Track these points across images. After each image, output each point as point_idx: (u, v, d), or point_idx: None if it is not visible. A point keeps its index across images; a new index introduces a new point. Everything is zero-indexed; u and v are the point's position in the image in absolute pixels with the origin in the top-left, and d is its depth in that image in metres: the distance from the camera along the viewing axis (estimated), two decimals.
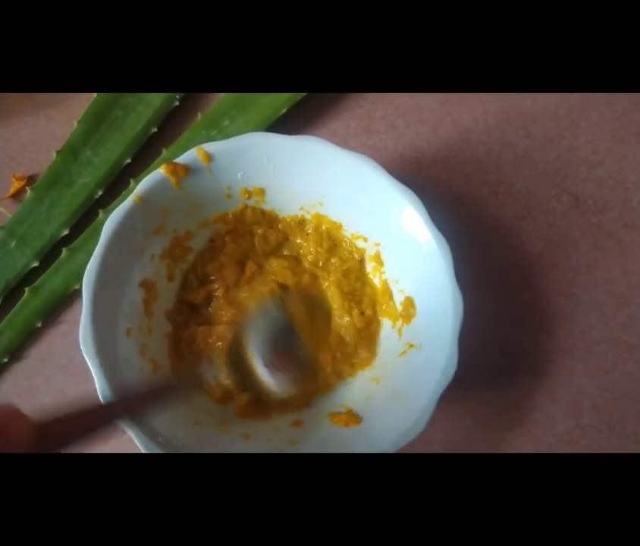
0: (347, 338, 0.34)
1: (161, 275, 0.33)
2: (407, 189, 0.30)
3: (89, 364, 0.27)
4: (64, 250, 0.38)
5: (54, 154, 0.39)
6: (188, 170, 0.31)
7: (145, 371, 0.30)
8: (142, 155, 0.40)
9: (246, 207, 0.34)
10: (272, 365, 0.32)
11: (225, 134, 0.39)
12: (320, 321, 0.34)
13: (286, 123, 0.39)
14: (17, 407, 0.18)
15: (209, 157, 0.31)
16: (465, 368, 0.29)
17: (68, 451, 0.20)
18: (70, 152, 0.39)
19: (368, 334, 0.34)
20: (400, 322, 0.33)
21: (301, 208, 0.35)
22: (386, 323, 0.34)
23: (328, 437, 0.30)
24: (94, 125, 0.39)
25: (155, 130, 0.40)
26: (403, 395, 0.30)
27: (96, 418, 0.23)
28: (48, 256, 0.38)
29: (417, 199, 0.30)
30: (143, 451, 0.27)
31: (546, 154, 0.40)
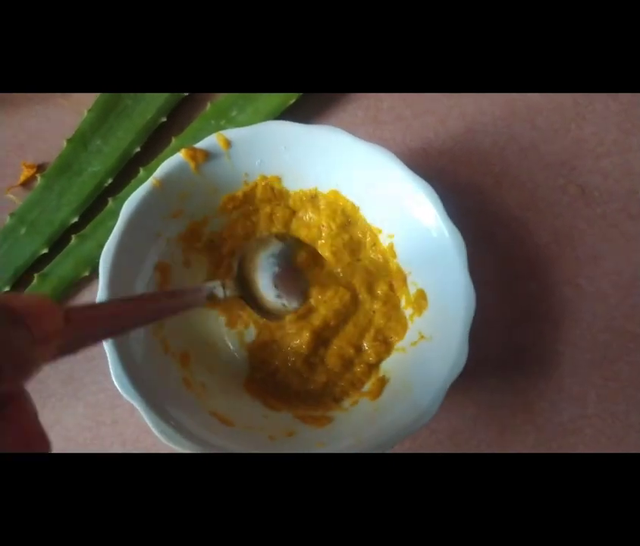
0: (377, 322, 0.34)
1: (177, 260, 0.34)
2: (422, 180, 0.30)
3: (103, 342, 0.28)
4: (74, 237, 0.38)
5: (65, 142, 0.39)
6: (207, 155, 0.31)
7: (156, 351, 0.31)
8: (152, 144, 0.40)
9: (256, 185, 0.34)
10: (277, 284, 0.34)
11: (234, 124, 0.40)
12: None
13: (294, 114, 0.39)
14: (46, 296, 0.18)
15: (228, 143, 0.31)
16: (472, 358, 0.29)
17: (97, 343, 0.21)
18: (80, 141, 0.39)
19: (392, 306, 0.34)
20: (410, 310, 0.33)
21: (315, 189, 0.35)
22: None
23: (338, 420, 0.31)
24: (104, 114, 0.40)
25: (164, 119, 0.40)
26: (412, 385, 0.30)
27: (124, 310, 0.23)
28: (58, 243, 0.39)
29: (432, 190, 0.30)
30: (153, 429, 0.27)
31: (552, 146, 0.40)
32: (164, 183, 0.31)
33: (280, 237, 0.35)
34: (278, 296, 0.34)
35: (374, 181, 0.32)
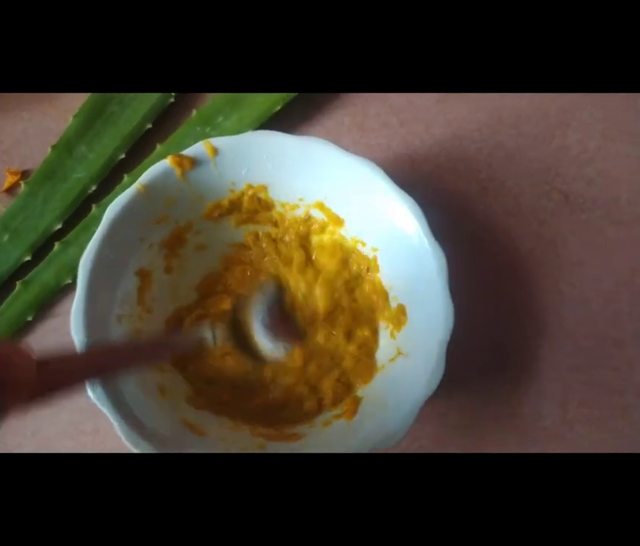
0: (345, 365, 0.34)
1: (158, 266, 0.34)
2: (407, 195, 0.30)
3: (77, 347, 0.27)
4: (57, 244, 0.38)
5: (49, 149, 0.39)
6: (194, 162, 0.31)
7: None
8: (137, 151, 0.40)
9: (242, 193, 0.34)
10: (269, 328, 0.33)
11: (219, 131, 0.40)
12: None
13: (280, 121, 0.39)
14: (18, 344, 0.18)
15: (215, 151, 0.31)
16: (454, 363, 0.29)
17: (67, 393, 0.21)
18: (65, 147, 0.39)
19: (366, 352, 0.34)
20: (390, 326, 0.33)
21: (301, 199, 0.35)
22: (381, 325, 0.34)
23: (310, 437, 0.31)
24: (89, 120, 0.40)
25: (149, 125, 0.40)
26: (386, 403, 0.30)
27: (100, 360, 0.23)
28: (41, 250, 0.39)
29: (416, 205, 0.30)
30: (124, 441, 0.27)
31: (537, 152, 0.40)
32: (149, 188, 0.31)
33: (275, 280, 0.35)
34: (272, 341, 0.33)
35: (359, 194, 0.32)
